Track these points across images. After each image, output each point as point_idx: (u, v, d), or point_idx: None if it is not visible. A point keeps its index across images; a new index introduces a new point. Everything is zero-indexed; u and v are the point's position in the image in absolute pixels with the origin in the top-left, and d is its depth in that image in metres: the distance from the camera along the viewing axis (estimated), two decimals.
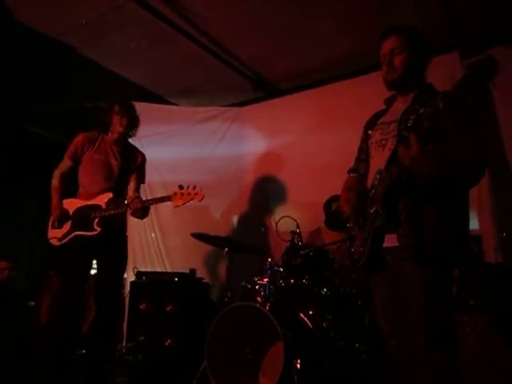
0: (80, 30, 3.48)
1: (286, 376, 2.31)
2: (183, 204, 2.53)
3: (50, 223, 2.80)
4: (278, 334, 2.36)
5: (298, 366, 2.40)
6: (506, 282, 2.58)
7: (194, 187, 2.54)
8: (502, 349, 2.32)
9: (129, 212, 2.71)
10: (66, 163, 2.89)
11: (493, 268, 2.73)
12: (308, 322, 2.64)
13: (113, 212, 2.65)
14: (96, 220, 2.65)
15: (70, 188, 2.95)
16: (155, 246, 4.35)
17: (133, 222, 4.30)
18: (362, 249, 1.81)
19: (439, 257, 1.67)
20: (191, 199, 2.52)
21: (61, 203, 2.80)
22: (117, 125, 2.81)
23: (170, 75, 4.26)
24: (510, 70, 3.14)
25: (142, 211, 2.69)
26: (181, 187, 2.54)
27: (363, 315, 2.67)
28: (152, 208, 4.26)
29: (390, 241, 1.75)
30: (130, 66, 4.10)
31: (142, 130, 4.34)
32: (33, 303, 3.88)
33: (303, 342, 2.54)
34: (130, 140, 3.02)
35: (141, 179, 2.97)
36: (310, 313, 2.71)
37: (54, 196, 2.82)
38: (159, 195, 2.78)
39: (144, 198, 2.81)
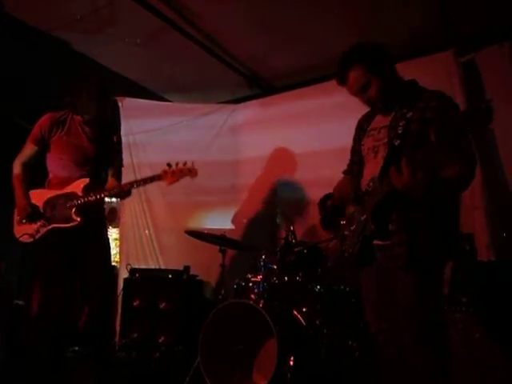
0: (74, 25, 3.45)
1: (279, 372, 2.32)
2: (176, 181, 2.34)
3: (17, 219, 2.47)
4: (271, 330, 2.36)
5: (291, 362, 2.40)
6: (498, 280, 2.60)
7: (185, 163, 2.33)
8: (493, 346, 2.33)
9: (108, 195, 2.44)
10: (29, 149, 2.55)
11: (485, 266, 2.75)
12: (301, 319, 2.65)
13: (92, 198, 2.36)
14: (73, 209, 2.36)
15: (35, 178, 2.64)
16: (149, 243, 4.34)
17: (127, 218, 4.32)
18: (351, 250, 1.85)
19: (431, 261, 1.70)
20: (184, 175, 2.33)
21: (28, 196, 2.47)
22: (85, 109, 2.50)
23: (165, 71, 4.24)
24: (505, 69, 3.18)
25: (123, 193, 2.47)
26: (169, 165, 2.34)
27: (356, 313, 2.68)
28: (146, 205, 4.30)
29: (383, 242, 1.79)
30: (124, 61, 4.07)
31: (136, 126, 4.35)
32: (21, 302, 3.83)
33: (296, 339, 2.54)
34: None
35: (119, 162, 2.69)
36: (304, 310, 2.72)
37: (18, 188, 2.48)
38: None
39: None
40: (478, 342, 2.36)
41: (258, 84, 4.38)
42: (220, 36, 3.68)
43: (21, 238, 2.44)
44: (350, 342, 2.61)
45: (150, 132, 4.32)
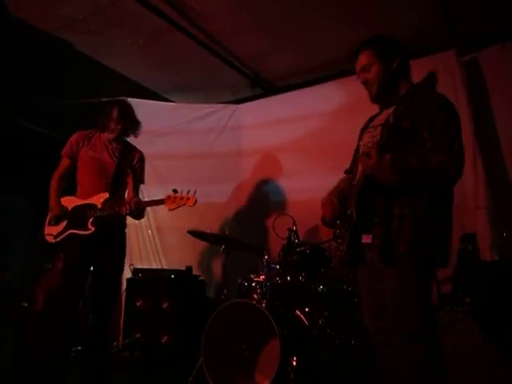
0: (76, 26, 3.45)
1: (282, 373, 2.32)
2: (175, 208, 2.53)
3: (47, 220, 2.78)
4: (274, 331, 2.36)
5: (294, 362, 2.40)
6: (501, 280, 2.59)
7: (188, 191, 2.53)
8: (495, 346, 2.33)
9: (123, 212, 2.66)
10: (63, 163, 2.87)
11: (488, 266, 2.74)
12: (304, 319, 2.65)
13: (107, 212, 2.63)
14: (91, 219, 2.63)
15: (71, 186, 2.91)
16: (152, 243, 4.35)
17: (129, 219, 4.31)
18: (341, 247, 1.90)
19: (413, 257, 1.69)
20: (183, 204, 2.51)
21: (59, 201, 2.78)
22: (110, 129, 2.80)
23: (167, 72, 4.25)
24: (508, 69, 3.17)
25: (137, 212, 2.65)
26: (175, 191, 2.54)
27: (359, 312, 2.68)
28: None
29: (369, 238, 1.79)
30: (126, 62, 4.07)
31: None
32: (26, 304, 3.85)
33: (299, 339, 2.54)
34: (128, 139, 2.98)
35: (139, 179, 2.93)
36: (306, 310, 2.72)
37: (52, 195, 2.80)
38: (154, 194, 2.75)
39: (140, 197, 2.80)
40: (480, 341, 2.36)
41: (260, 84, 4.38)
42: (222, 36, 3.68)
43: (46, 237, 2.75)
44: (352, 342, 2.61)
45: (152, 132, 4.32)
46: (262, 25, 3.49)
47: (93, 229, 2.62)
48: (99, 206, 2.66)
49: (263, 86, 4.40)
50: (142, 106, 4.24)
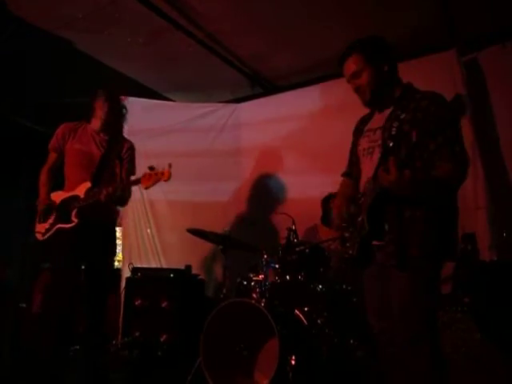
0: (76, 24, 3.45)
1: (281, 372, 2.32)
2: (151, 185, 2.40)
3: (37, 217, 2.71)
4: (273, 330, 2.36)
5: (293, 362, 2.40)
6: (500, 280, 2.59)
7: (164, 167, 2.40)
8: (494, 346, 2.33)
9: (103, 197, 2.49)
10: (51, 157, 2.81)
11: (487, 266, 2.74)
12: (303, 318, 2.65)
13: (91, 200, 2.51)
14: (74, 211, 2.54)
15: (60, 181, 2.83)
16: (151, 242, 4.34)
17: (129, 217, 4.32)
18: (351, 251, 1.86)
19: (424, 260, 1.70)
20: (158, 180, 2.39)
21: (47, 197, 2.70)
22: (99, 111, 2.70)
23: (167, 71, 4.25)
24: (508, 69, 3.17)
25: (115, 198, 2.54)
26: (151, 168, 2.41)
27: (358, 312, 2.68)
28: (147, 204, 4.31)
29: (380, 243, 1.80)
30: (126, 60, 4.07)
31: (138, 125, 4.34)
32: (24, 305, 3.84)
33: (298, 339, 2.55)
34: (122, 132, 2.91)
35: (129, 169, 2.79)
36: (306, 309, 2.72)
37: (41, 191, 2.73)
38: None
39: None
40: (479, 341, 2.36)
41: (260, 83, 4.38)
42: (222, 35, 3.68)
43: (36, 235, 2.67)
44: (351, 341, 2.61)
45: (152, 131, 4.32)
46: (262, 24, 3.49)
47: (76, 220, 2.52)
48: (82, 197, 2.56)
49: (263, 85, 4.41)
50: (142, 105, 4.27)
